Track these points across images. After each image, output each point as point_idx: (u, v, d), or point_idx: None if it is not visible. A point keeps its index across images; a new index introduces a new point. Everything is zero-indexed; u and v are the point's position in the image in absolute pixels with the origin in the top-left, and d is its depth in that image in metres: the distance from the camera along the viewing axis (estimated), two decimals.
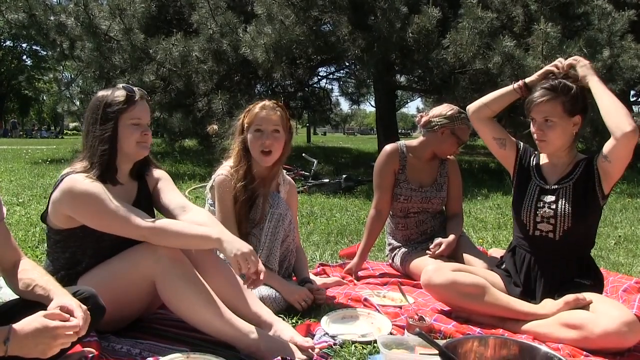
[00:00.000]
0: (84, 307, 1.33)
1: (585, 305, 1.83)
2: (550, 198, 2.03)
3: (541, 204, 2.04)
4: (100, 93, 1.81)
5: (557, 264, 1.99)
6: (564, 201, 1.99)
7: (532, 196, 2.08)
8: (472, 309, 2.02)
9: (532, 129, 2.02)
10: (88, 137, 1.78)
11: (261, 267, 1.70)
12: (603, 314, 1.74)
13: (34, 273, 1.46)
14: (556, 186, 2.04)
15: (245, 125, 2.25)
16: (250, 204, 2.25)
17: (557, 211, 1.99)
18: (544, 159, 2.15)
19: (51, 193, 1.75)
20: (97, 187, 1.69)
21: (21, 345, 1.22)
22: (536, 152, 2.20)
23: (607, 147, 1.93)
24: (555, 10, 7.64)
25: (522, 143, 2.22)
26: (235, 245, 1.66)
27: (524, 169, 2.16)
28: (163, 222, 1.73)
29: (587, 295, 1.85)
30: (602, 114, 1.90)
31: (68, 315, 1.28)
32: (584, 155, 2.09)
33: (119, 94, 1.77)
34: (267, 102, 2.27)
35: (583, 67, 1.98)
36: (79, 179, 1.69)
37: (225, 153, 2.37)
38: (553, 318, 1.86)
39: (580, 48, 6.80)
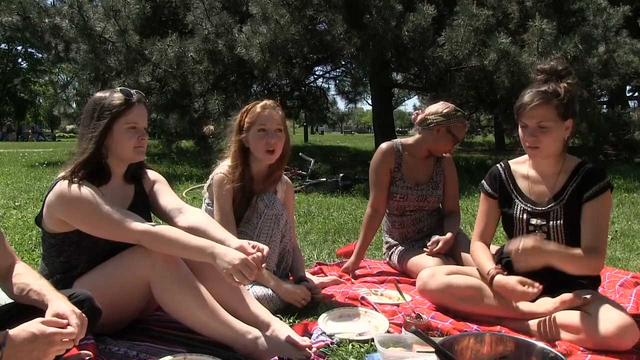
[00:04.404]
0: (79, 311, 1.32)
1: (582, 305, 1.81)
2: (540, 221, 1.96)
3: (532, 227, 1.98)
4: (97, 95, 1.80)
5: (553, 270, 1.93)
6: (555, 223, 1.93)
7: (520, 219, 2.00)
8: (469, 311, 2.02)
9: (523, 136, 1.91)
10: (83, 139, 1.77)
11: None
12: (600, 317, 1.71)
13: (28, 277, 1.45)
14: (545, 208, 1.95)
15: (246, 124, 2.23)
16: (247, 204, 2.25)
17: (550, 233, 1.94)
18: (520, 172, 2.04)
19: (45, 196, 1.74)
20: (88, 192, 1.68)
21: (16, 351, 1.21)
22: (500, 167, 2.10)
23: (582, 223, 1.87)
24: (550, 7, 7.66)
25: (487, 187, 2.11)
26: (227, 258, 1.60)
27: (503, 195, 2.07)
28: (157, 228, 1.69)
29: (584, 294, 1.83)
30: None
31: (65, 322, 1.27)
32: (576, 159, 1.97)
33: (116, 97, 1.76)
34: (267, 102, 2.25)
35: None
36: (71, 183, 1.68)
37: (221, 153, 2.36)
38: (551, 320, 1.85)
39: (575, 44, 6.82)
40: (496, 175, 2.10)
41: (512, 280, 1.89)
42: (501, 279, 1.92)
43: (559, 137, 1.89)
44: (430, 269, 2.19)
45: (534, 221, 1.98)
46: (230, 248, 1.66)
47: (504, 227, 2.12)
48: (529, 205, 1.99)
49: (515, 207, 2.02)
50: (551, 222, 1.94)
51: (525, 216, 1.99)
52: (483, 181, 2.15)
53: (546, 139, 1.87)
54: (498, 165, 2.13)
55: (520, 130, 1.93)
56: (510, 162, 2.11)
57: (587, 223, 1.87)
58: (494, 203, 2.11)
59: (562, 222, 1.92)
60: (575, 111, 1.91)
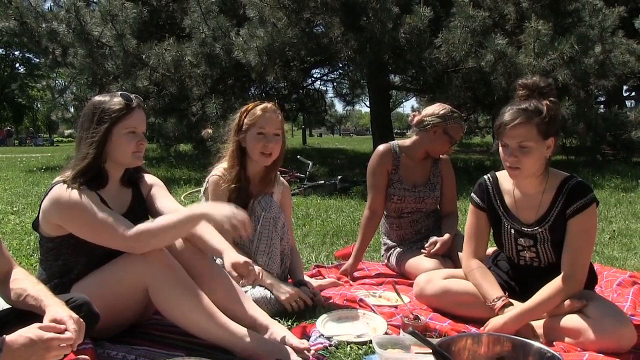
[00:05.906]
0: (76, 316, 1.32)
1: (580, 308, 1.79)
2: (528, 242, 1.95)
3: (521, 247, 1.97)
4: (97, 98, 1.80)
5: (547, 279, 1.90)
6: (543, 244, 1.92)
7: (509, 237, 1.99)
8: (467, 316, 2.02)
9: (503, 155, 1.85)
10: (82, 143, 1.77)
11: (257, 268, 1.70)
12: (599, 321, 1.70)
13: (25, 282, 1.45)
14: (532, 229, 1.92)
15: (245, 126, 2.23)
16: (244, 207, 2.25)
17: (539, 253, 1.94)
18: (506, 187, 2.01)
19: (42, 201, 1.74)
20: (84, 198, 1.68)
21: (14, 357, 1.21)
22: (488, 180, 2.05)
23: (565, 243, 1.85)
24: (546, 8, 7.70)
25: (477, 199, 2.07)
26: (224, 211, 1.62)
27: (491, 210, 2.04)
28: (144, 225, 1.69)
29: (581, 295, 1.83)
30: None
31: (63, 327, 1.27)
32: (560, 174, 1.92)
33: (116, 101, 1.76)
34: (268, 105, 2.25)
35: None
36: (67, 188, 1.68)
37: (218, 154, 2.36)
38: (549, 324, 1.84)
39: (571, 45, 6.85)
40: (484, 189, 2.06)
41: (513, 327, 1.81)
42: (502, 322, 1.83)
43: (540, 157, 1.84)
44: (426, 274, 2.19)
45: (521, 241, 1.96)
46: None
47: (494, 238, 2.11)
48: (515, 224, 1.97)
49: (503, 225, 2.01)
50: (539, 245, 1.93)
51: (513, 234, 1.98)
52: (473, 194, 2.10)
53: (527, 159, 1.81)
54: (486, 177, 2.09)
55: (500, 149, 1.88)
56: (497, 174, 2.06)
57: (568, 243, 1.84)
58: (484, 215, 2.07)
59: (549, 244, 1.91)
60: (557, 129, 1.86)
